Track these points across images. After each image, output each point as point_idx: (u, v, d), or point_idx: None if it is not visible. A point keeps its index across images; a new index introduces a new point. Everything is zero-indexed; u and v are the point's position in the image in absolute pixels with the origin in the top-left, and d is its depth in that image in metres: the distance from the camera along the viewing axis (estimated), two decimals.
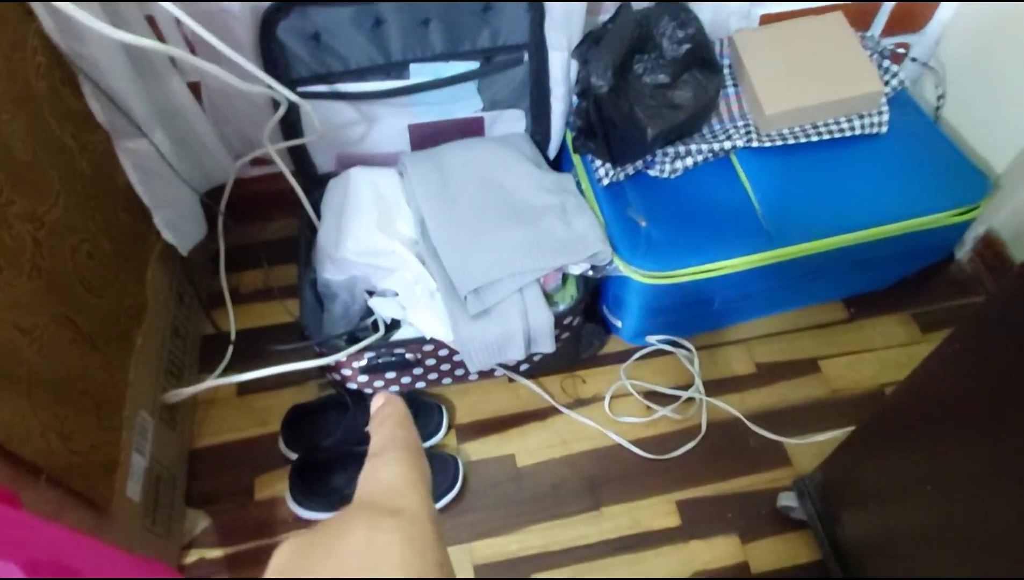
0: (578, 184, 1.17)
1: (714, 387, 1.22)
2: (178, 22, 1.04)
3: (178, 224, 1.12)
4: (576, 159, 1.19)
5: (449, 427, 1.18)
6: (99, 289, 0.92)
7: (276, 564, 0.26)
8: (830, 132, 1.13)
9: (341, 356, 1.03)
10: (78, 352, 0.86)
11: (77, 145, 0.91)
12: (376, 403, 0.35)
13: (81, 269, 0.88)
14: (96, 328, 0.90)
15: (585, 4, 1.06)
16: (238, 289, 1.33)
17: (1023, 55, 1.11)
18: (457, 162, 1.15)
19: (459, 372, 1.16)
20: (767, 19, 1.24)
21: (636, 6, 1.11)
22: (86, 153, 0.93)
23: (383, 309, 1.08)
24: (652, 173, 1.14)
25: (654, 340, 1.23)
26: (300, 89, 1.10)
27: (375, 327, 1.10)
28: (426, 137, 1.21)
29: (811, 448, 1.14)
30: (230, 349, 1.21)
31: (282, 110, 1.01)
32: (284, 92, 0.97)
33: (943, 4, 1.26)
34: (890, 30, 1.31)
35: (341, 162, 1.23)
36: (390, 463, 0.30)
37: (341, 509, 0.28)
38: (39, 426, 0.75)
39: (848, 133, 1.13)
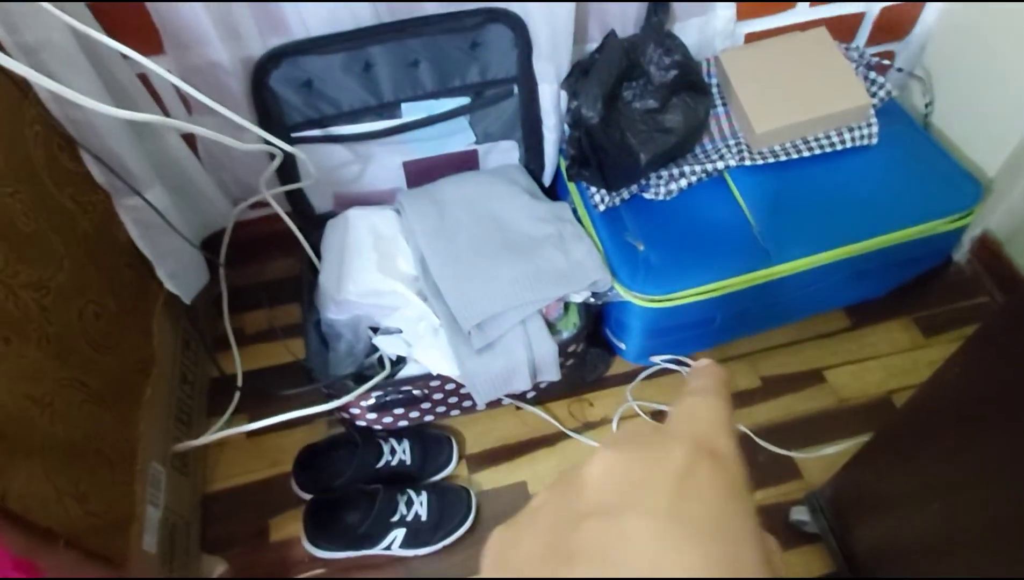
0: (574, 211, 1.18)
1: None
2: None
3: (180, 274, 1.13)
4: (571, 186, 1.20)
5: (460, 458, 1.19)
6: (106, 347, 0.93)
7: (591, 481, 0.24)
8: (821, 147, 1.14)
9: (350, 397, 1.04)
10: (89, 412, 0.87)
11: (78, 207, 0.92)
12: (699, 363, 0.33)
13: (88, 330, 0.89)
14: (105, 386, 0.91)
15: (571, 35, 1.07)
16: (243, 330, 1.34)
17: (1007, 58, 1.12)
18: (453, 197, 1.16)
19: (467, 404, 1.17)
20: (752, 37, 1.25)
21: (622, 34, 1.13)
22: (87, 214, 0.94)
23: (388, 346, 1.09)
24: (647, 196, 1.15)
25: (658, 360, 1.24)
26: (294, 135, 1.12)
27: (381, 363, 1.11)
28: (421, 173, 1.22)
29: (821, 460, 1.15)
30: (237, 395, 1.22)
31: (276, 162, 1.02)
32: (278, 144, 0.98)
33: (926, 11, 1.27)
34: (874, 40, 1.32)
35: (339, 201, 1.24)
36: (711, 405, 0.28)
37: (639, 426, 0.27)
38: (55, 492, 0.76)
39: (839, 146, 1.14)
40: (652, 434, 0.26)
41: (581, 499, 0.24)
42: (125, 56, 0.84)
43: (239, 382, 1.24)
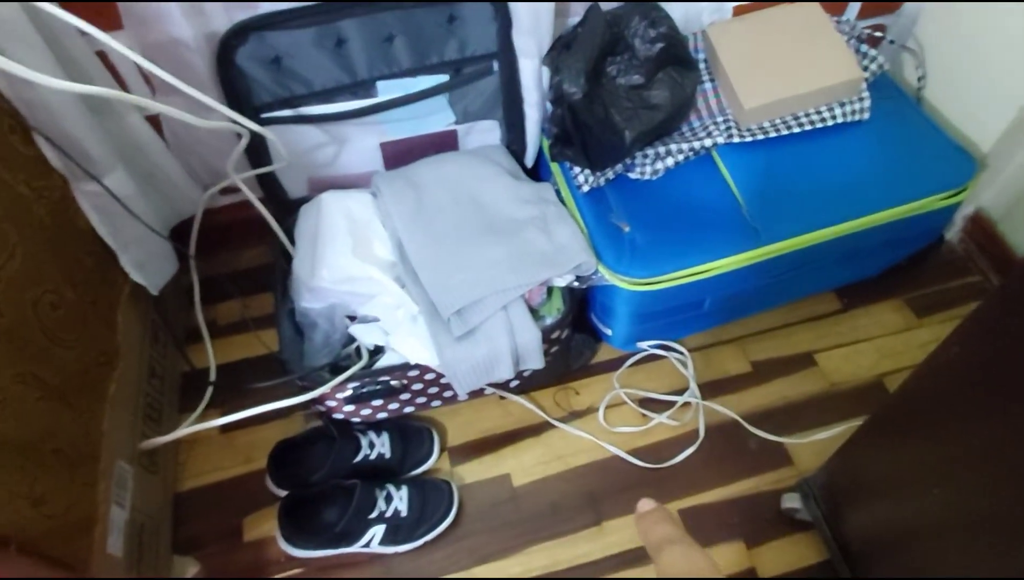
0: (558, 192, 1.14)
1: (710, 389, 1.19)
2: None
3: (146, 263, 1.08)
4: (555, 167, 1.16)
5: (441, 450, 1.15)
6: (66, 340, 0.88)
7: None
8: (811, 122, 1.10)
9: (325, 389, 1.00)
10: (47, 409, 0.82)
11: (32, 193, 0.87)
12: (642, 508, 0.40)
13: (45, 322, 0.84)
14: (65, 381, 0.86)
15: (553, 8, 1.03)
16: (215, 321, 1.29)
17: (1001, 31, 1.08)
18: (431, 179, 1.11)
19: (448, 394, 1.13)
20: (740, 10, 1.21)
21: (605, 6, 1.08)
22: (43, 200, 0.89)
23: (365, 336, 1.05)
24: (633, 176, 1.11)
25: (646, 346, 1.20)
26: (264, 115, 1.07)
27: (358, 353, 1.07)
28: (399, 154, 1.18)
29: (813, 446, 1.12)
30: (209, 390, 1.17)
31: (244, 142, 0.97)
32: (245, 123, 0.93)
33: None
34: (866, 12, 1.28)
35: (313, 185, 1.20)
36: (693, 551, 0.34)
37: None
38: (6, 494, 0.71)
39: (830, 122, 1.11)
40: None
41: None
42: (82, 32, 0.79)
43: (212, 376, 1.19)
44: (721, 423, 1.16)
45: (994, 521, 0.70)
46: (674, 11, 1.16)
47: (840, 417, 1.13)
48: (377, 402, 1.09)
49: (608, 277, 1.04)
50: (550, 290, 1.07)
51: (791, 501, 1.04)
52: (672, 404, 1.17)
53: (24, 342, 0.80)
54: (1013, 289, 0.68)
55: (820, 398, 1.18)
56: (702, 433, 1.15)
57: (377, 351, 1.07)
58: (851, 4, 1.26)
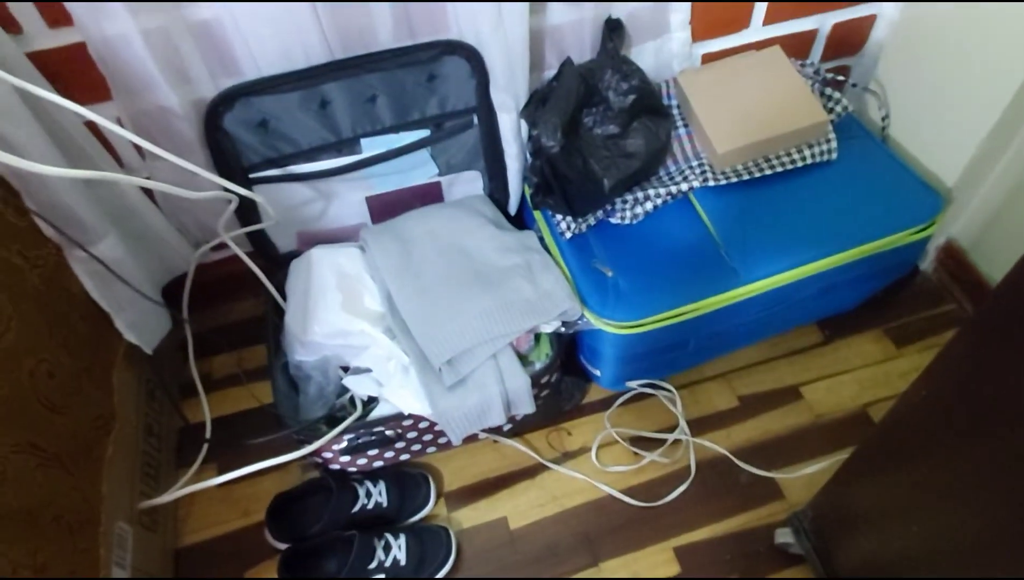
0: (541, 239, 1.17)
1: (699, 425, 1.21)
2: (121, 124, 1.03)
3: (140, 323, 1.10)
4: (538, 214, 1.19)
5: (438, 496, 1.16)
6: (62, 407, 0.89)
7: None
8: (782, 164, 1.14)
9: (321, 442, 1.02)
10: (46, 477, 0.83)
11: (26, 263, 0.89)
12: None
13: (41, 390, 0.86)
14: (63, 447, 0.88)
15: (527, 64, 1.07)
16: (210, 375, 1.31)
17: (958, 69, 1.13)
18: (418, 231, 1.14)
19: (442, 440, 1.14)
20: (709, 57, 1.26)
21: (579, 60, 1.13)
22: (36, 269, 0.91)
23: (359, 387, 1.07)
24: (614, 221, 1.14)
25: (634, 385, 1.23)
26: (253, 175, 1.10)
27: (352, 404, 1.08)
28: (385, 207, 1.21)
29: (802, 480, 1.14)
30: (205, 447, 1.18)
31: (233, 206, 1.00)
32: (232, 188, 0.96)
33: (877, 26, 1.29)
34: (829, 54, 1.34)
35: (302, 240, 1.22)
36: None
37: None
38: (9, 565, 0.73)
39: (800, 163, 1.15)
40: None
41: None
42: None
43: (207, 432, 1.21)
44: (711, 459, 1.18)
45: (984, 547, 0.72)
46: (645, 59, 1.21)
47: (827, 449, 1.16)
48: (373, 452, 1.10)
49: (594, 322, 1.07)
50: (538, 336, 1.10)
51: (784, 536, 1.06)
52: (663, 442, 1.19)
53: (21, 412, 0.82)
54: (984, 322, 0.70)
55: (807, 430, 1.20)
56: (693, 470, 1.17)
57: (371, 401, 1.09)
58: (814, 47, 1.32)
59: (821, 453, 1.15)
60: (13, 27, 0.88)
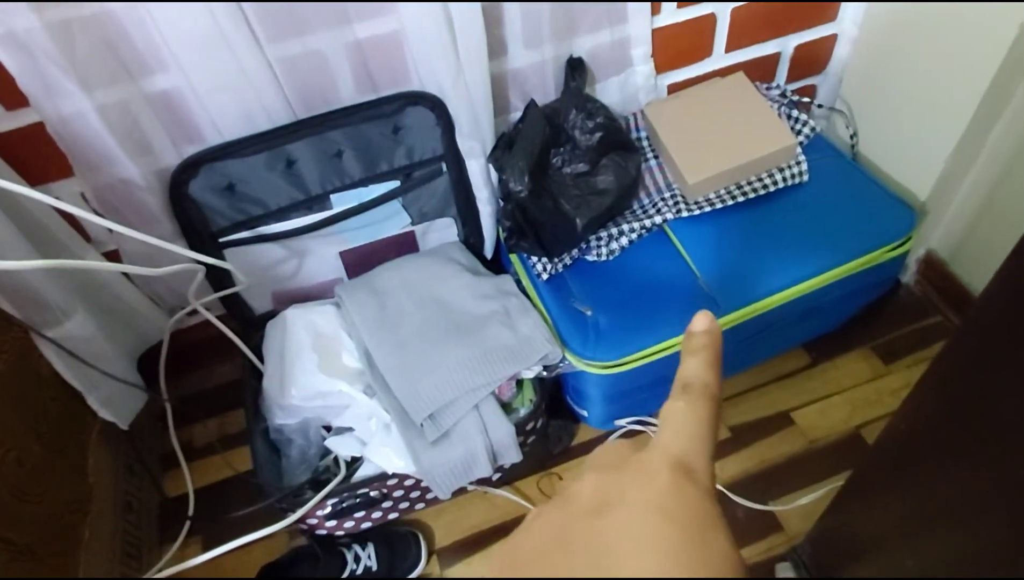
0: (518, 281, 1.16)
1: None
2: (85, 198, 1.02)
3: (115, 399, 1.07)
4: (513, 256, 1.18)
5: (429, 555, 1.13)
6: (33, 495, 0.87)
7: (583, 493, 0.26)
8: (755, 190, 1.14)
9: (305, 509, 0.99)
10: (20, 571, 0.81)
11: None
12: (697, 325, 0.32)
13: (10, 481, 0.83)
14: (36, 538, 0.85)
15: (491, 110, 1.07)
16: (191, 443, 1.28)
17: (922, 83, 1.14)
18: (393, 284, 1.13)
19: (430, 496, 1.11)
20: (674, 87, 1.26)
21: (543, 100, 1.13)
22: (2, 354, 0.89)
23: (341, 448, 1.05)
24: (590, 258, 1.13)
25: (623, 423, 1.21)
26: (223, 239, 1.09)
27: (336, 464, 1.06)
28: (360, 260, 1.20)
29: (800, 510, 1.11)
30: (187, 524, 1.15)
31: (200, 275, 0.98)
32: (200, 258, 0.94)
33: (839, 45, 1.30)
34: (794, 76, 1.34)
35: (277, 299, 1.21)
36: (698, 412, 0.28)
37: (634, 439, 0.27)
38: None
39: (772, 188, 1.14)
40: (632, 458, 0.27)
41: (573, 505, 0.26)
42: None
43: (191, 505, 1.17)
44: None
45: (984, 566, 0.70)
46: (611, 94, 1.21)
47: (823, 475, 1.13)
48: (359, 514, 1.07)
49: (576, 363, 1.05)
50: (520, 382, 1.08)
51: (785, 571, 1.03)
52: None
53: None
54: (968, 336, 0.69)
55: (801, 457, 1.18)
56: None
57: (355, 461, 1.06)
58: (779, 70, 1.32)
59: (817, 479, 1.13)
60: None
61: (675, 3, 1.14)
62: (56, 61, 0.82)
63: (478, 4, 0.94)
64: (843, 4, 1.24)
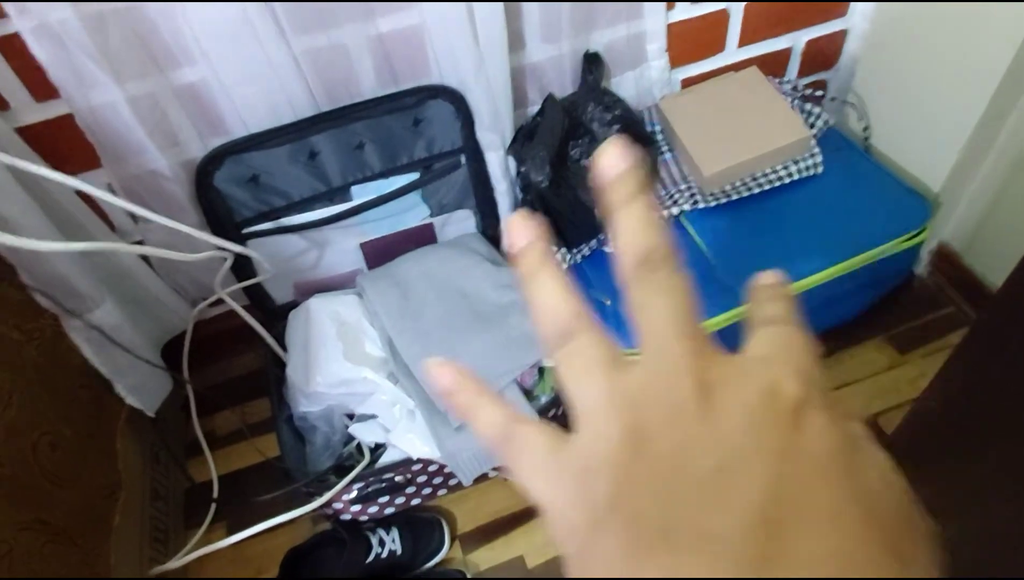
0: None
1: None
2: (112, 189, 1.04)
3: (141, 386, 1.09)
4: None
5: (452, 539, 1.15)
6: (67, 479, 0.89)
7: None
8: (770, 182, 1.15)
9: (331, 494, 1.01)
10: (54, 553, 0.82)
11: (23, 336, 0.89)
12: (767, 280, 0.26)
13: (45, 465, 0.85)
14: (69, 521, 0.87)
15: (511, 102, 1.08)
16: (214, 432, 1.29)
17: (934, 75, 1.15)
18: (414, 274, 1.15)
19: (453, 482, 1.13)
20: (688, 82, 1.28)
21: (560, 94, 1.14)
22: (34, 342, 0.91)
23: (365, 434, 1.07)
24: (608, 249, 1.15)
25: None
26: (246, 230, 1.10)
27: (360, 451, 1.08)
28: (380, 252, 1.21)
29: None
30: (213, 507, 1.17)
31: (228, 263, 1.00)
32: (228, 246, 0.96)
33: (849, 39, 1.31)
34: (806, 71, 1.36)
35: (299, 290, 1.22)
36: (804, 341, 0.23)
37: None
38: None
39: (787, 179, 1.16)
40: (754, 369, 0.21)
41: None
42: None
43: (215, 492, 1.19)
44: None
45: (1002, 557, 0.71)
46: (626, 88, 1.23)
47: None
48: (383, 499, 1.09)
49: None
50: (541, 370, 1.10)
51: None
52: None
53: (26, 489, 0.81)
54: (987, 328, 0.71)
55: None
56: None
57: (378, 448, 1.08)
58: (790, 65, 1.34)
59: None
60: (0, 104, 0.89)
61: None
62: (89, 52, 0.83)
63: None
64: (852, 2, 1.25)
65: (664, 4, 1.13)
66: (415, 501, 1.15)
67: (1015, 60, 1.01)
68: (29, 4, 0.78)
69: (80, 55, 0.84)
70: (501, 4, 0.96)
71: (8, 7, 0.79)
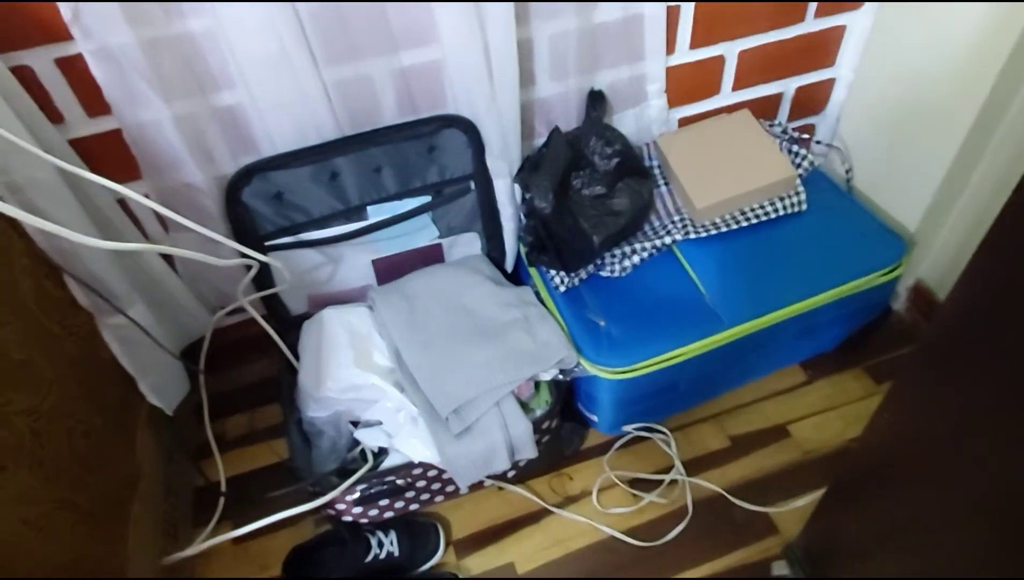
0: (537, 294, 1.25)
1: (694, 466, 1.27)
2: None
3: (162, 386, 1.16)
4: (532, 270, 1.28)
5: (447, 544, 1.20)
6: (95, 466, 0.95)
7: None
8: (757, 216, 1.24)
9: (335, 493, 1.07)
10: (80, 533, 0.88)
11: (64, 331, 0.96)
12: None
13: (77, 450, 0.92)
14: (96, 505, 0.93)
15: (519, 133, 1.17)
16: (224, 435, 1.36)
17: (911, 124, 1.24)
18: (422, 290, 1.22)
19: (450, 489, 1.20)
20: (685, 121, 1.37)
21: (565, 128, 1.23)
22: (72, 336, 0.98)
23: (369, 439, 1.13)
24: (604, 274, 1.23)
25: (630, 429, 1.29)
26: (268, 243, 1.18)
27: (363, 456, 1.14)
28: (390, 269, 1.29)
29: (794, 513, 1.19)
30: (221, 500, 1.23)
31: (253, 272, 1.08)
32: (255, 256, 1.04)
33: (836, 87, 1.41)
34: (795, 115, 1.46)
35: (313, 302, 1.30)
36: None
37: None
38: None
39: (773, 215, 1.24)
40: None
41: None
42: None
43: (223, 487, 1.25)
44: (707, 498, 1.23)
45: (975, 569, 0.77)
46: (627, 124, 1.32)
47: (817, 483, 1.20)
48: (384, 502, 1.15)
49: (589, 368, 1.14)
50: (537, 384, 1.17)
51: (780, 569, 1.10)
52: (660, 483, 1.25)
53: (61, 470, 0.88)
54: (932, 344, 0.77)
55: (796, 466, 1.26)
56: (691, 509, 1.22)
57: (381, 453, 1.14)
58: (781, 109, 1.43)
59: (811, 487, 1.21)
60: (56, 117, 0.97)
61: (688, 45, 1.25)
62: (144, 74, 0.92)
63: (514, 39, 1.04)
64: (840, 51, 1.35)
65: (664, 49, 1.23)
66: (413, 506, 1.21)
67: (983, 110, 1.10)
68: (93, 28, 0.87)
69: (134, 76, 0.92)
70: (514, 43, 1.05)
71: (74, 31, 0.87)
